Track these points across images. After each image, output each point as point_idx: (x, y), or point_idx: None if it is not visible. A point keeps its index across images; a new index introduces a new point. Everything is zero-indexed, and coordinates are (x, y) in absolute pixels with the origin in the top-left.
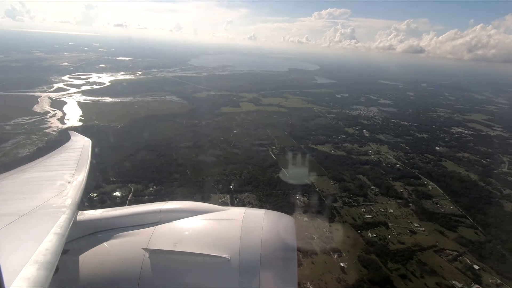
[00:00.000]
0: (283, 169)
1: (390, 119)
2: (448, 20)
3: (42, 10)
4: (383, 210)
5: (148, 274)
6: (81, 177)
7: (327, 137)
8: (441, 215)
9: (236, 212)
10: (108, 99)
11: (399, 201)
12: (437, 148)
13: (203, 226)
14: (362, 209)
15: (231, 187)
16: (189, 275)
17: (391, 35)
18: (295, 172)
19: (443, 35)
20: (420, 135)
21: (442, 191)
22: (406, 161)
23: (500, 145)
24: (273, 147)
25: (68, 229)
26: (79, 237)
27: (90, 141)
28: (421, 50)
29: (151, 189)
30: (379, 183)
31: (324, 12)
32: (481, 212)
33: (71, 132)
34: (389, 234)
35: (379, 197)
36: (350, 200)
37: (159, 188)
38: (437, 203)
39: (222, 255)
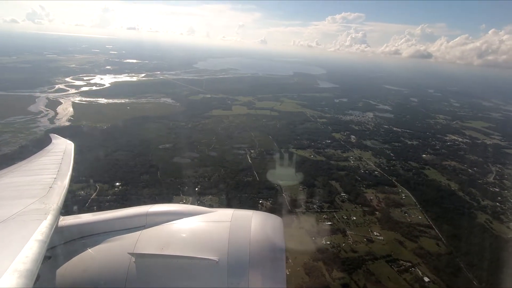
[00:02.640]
0: (255, 173)
1: (382, 125)
2: (467, 25)
3: (61, 13)
4: (345, 217)
5: (134, 279)
6: (63, 181)
7: (311, 142)
8: (405, 224)
9: (224, 214)
10: (102, 100)
11: (366, 208)
12: (424, 155)
13: (190, 228)
14: (324, 216)
15: (196, 189)
16: (177, 279)
17: (402, 40)
18: (267, 176)
19: (454, 40)
20: (410, 142)
21: (415, 200)
22: (386, 168)
23: (493, 154)
24: (252, 151)
25: (50, 235)
26: (61, 244)
27: (73, 144)
28: (428, 56)
29: (116, 189)
30: (350, 190)
31: (338, 16)
32: (450, 223)
33: (52, 135)
34: (344, 242)
35: (346, 204)
36: (314, 206)
37: (125, 188)
38: (405, 212)
39: (210, 257)
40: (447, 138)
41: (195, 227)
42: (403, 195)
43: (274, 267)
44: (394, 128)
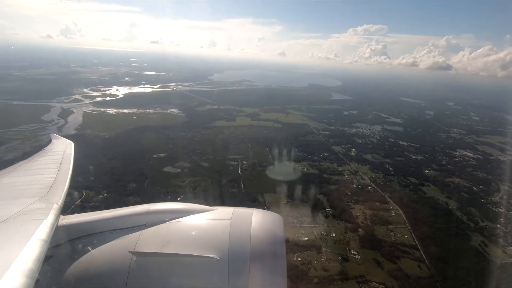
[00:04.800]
0: (242, 184)
1: (388, 139)
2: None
3: (92, 29)
4: (324, 233)
5: (135, 278)
6: (64, 180)
7: (308, 155)
8: (388, 243)
9: (225, 212)
10: (112, 110)
11: (349, 225)
12: (426, 171)
13: (191, 227)
14: (302, 231)
15: (178, 199)
16: (178, 277)
17: (423, 51)
18: (252, 188)
19: (476, 52)
20: (414, 157)
21: (404, 218)
22: (382, 183)
23: (505, 171)
24: (245, 162)
25: (51, 234)
26: (62, 243)
27: (72, 144)
28: (448, 67)
29: (101, 196)
30: (337, 205)
31: (359, 28)
32: (438, 244)
33: (52, 135)
34: (316, 260)
35: (329, 219)
36: (295, 221)
37: (109, 196)
38: (391, 231)
39: (211, 255)
40: (457, 153)
41: (195, 225)
42: (393, 212)
43: (274, 264)
44: (401, 142)
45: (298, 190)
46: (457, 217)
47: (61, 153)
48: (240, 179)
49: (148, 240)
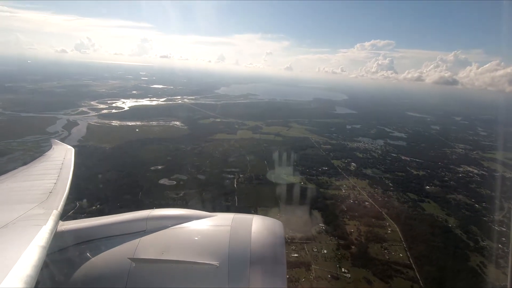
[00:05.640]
0: (236, 198)
1: (390, 153)
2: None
3: (105, 44)
4: (316, 249)
5: (134, 285)
6: (64, 186)
7: (306, 168)
8: (381, 262)
9: (225, 218)
10: (116, 123)
11: (342, 242)
12: (427, 187)
13: (191, 233)
14: (292, 247)
15: None
16: (177, 284)
17: (430, 66)
18: (246, 202)
19: (483, 67)
20: (415, 172)
21: (400, 236)
22: (380, 199)
23: (510, 188)
24: (241, 175)
25: (50, 240)
26: (61, 249)
27: (73, 149)
28: (454, 82)
29: (94, 207)
30: (331, 221)
31: (367, 43)
32: (434, 263)
33: (53, 140)
34: (304, 277)
35: (322, 235)
36: (286, 236)
37: (102, 207)
38: (386, 249)
39: (211, 262)
40: (460, 169)
41: (195, 232)
42: (389, 229)
43: (275, 271)
44: (403, 157)
45: (293, 204)
46: (456, 235)
47: (61, 158)
48: (235, 192)
49: (148, 246)
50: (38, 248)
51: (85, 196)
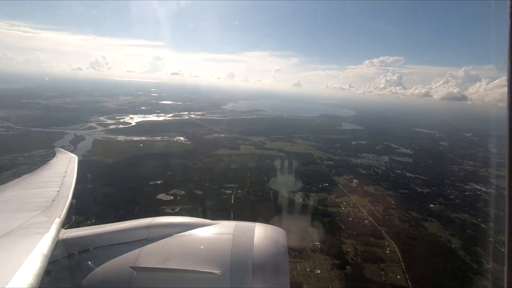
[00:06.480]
0: (232, 214)
1: (395, 170)
2: None
3: (119, 62)
4: (308, 269)
5: None
6: (66, 194)
7: (306, 185)
8: (377, 284)
9: (227, 226)
10: (121, 138)
11: (337, 261)
12: (431, 205)
13: (193, 241)
14: None
15: None
16: None
17: (439, 82)
18: (242, 218)
19: (493, 82)
20: (420, 190)
21: (399, 256)
22: (380, 217)
23: None
24: (239, 191)
25: (52, 248)
26: (63, 257)
27: (76, 158)
28: (463, 98)
29: (89, 222)
30: (327, 239)
31: (375, 60)
32: (433, 286)
33: (57, 149)
34: None
35: (316, 254)
36: None
37: (97, 221)
38: (383, 270)
39: (213, 271)
40: (468, 187)
41: (197, 240)
42: (388, 249)
43: (277, 280)
44: (407, 174)
45: (289, 221)
46: (459, 257)
47: (64, 167)
48: (231, 208)
49: (149, 254)
50: (40, 256)
51: (82, 210)
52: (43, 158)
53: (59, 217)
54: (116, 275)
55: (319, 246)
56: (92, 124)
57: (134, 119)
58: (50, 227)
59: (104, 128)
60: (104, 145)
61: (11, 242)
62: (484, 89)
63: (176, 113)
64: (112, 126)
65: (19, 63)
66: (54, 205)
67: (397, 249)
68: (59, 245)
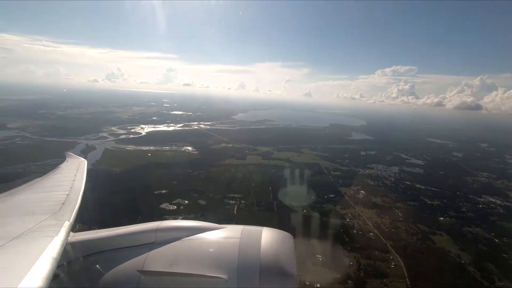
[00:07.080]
0: (234, 224)
1: (404, 181)
2: None
3: (134, 73)
4: (308, 283)
5: None
6: (76, 198)
7: (311, 196)
8: None
9: (234, 230)
10: (131, 147)
11: (339, 275)
12: (441, 218)
13: (200, 245)
14: None
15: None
16: None
17: (454, 91)
18: None
19: (510, 91)
20: (430, 202)
21: (405, 271)
22: (386, 230)
23: None
24: (243, 201)
25: (61, 252)
26: (72, 260)
27: (86, 162)
28: (477, 107)
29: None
30: (329, 252)
31: (388, 69)
32: None
33: (67, 153)
34: None
35: (318, 267)
36: None
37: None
38: (386, 285)
39: (220, 275)
40: (481, 199)
41: (204, 244)
42: (393, 263)
43: (284, 285)
44: (417, 185)
45: (290, 233)
46: (469, 273)
47: (74, 171)
48: (233, 219)
49: (157, 258)
50: (49, 259)
51: (85, 218)
52: (53, 167)
53: (69, 220)
54: (123, 279)
55: (320, 259)
56: (104, 134)
57: (145, 129)
58: (59, 230)
59: (115, 138)
60: (113, 154)
61: (21, 245)
62: (501, 98)
63: (186, 123)
64: (122, 136)
65: (40, 76)
66: (63, 209)
67: (402, 264)
68: (68, 248)
